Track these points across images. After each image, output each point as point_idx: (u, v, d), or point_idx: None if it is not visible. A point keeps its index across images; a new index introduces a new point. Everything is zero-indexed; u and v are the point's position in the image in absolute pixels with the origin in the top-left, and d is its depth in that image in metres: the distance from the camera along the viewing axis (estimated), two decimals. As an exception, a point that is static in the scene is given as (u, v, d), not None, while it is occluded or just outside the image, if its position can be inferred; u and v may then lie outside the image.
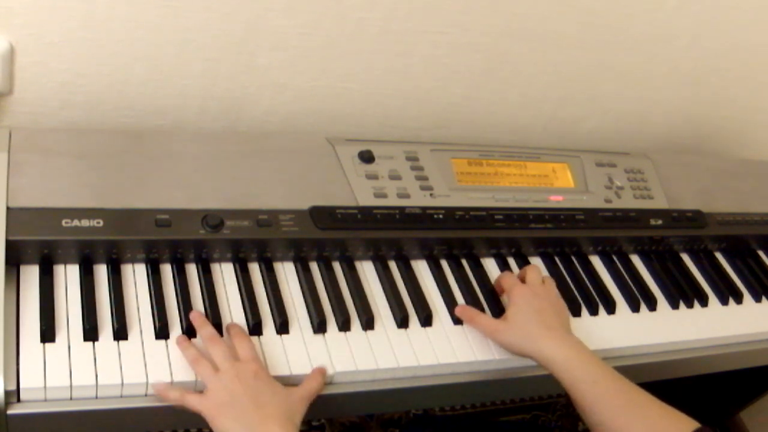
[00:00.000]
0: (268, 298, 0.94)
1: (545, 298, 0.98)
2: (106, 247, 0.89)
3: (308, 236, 0.97)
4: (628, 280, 1.15)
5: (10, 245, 0.83)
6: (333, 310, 0.95)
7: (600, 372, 0.87)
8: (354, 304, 0.97)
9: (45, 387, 0.76)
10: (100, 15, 0.98)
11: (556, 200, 1.15)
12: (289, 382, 0.86)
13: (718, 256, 1.27)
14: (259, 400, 0.79)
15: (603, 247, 1.18)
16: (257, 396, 0.80)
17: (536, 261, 1.14)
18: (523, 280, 1.02)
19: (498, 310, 1.02)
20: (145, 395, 0.81)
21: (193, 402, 0.80)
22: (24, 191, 0.88)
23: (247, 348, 0.86)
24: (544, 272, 1.12)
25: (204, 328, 0.87)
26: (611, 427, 0.83)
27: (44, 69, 1.02)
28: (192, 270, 0.94)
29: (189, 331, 0.87)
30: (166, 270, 0.93)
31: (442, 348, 0.95)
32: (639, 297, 1.12)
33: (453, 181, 1.10)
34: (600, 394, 0.85)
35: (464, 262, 1.09)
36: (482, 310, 1.01)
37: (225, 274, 0.95)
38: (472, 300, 1.03)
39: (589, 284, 1.12)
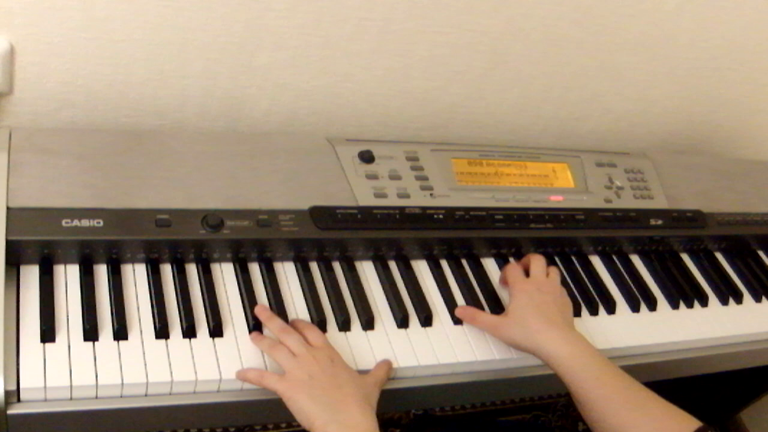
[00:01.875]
0: (268, 299, 0.94)
1: (548, 292, 0.97)
2: (106, 247, 0.89)
3: (308, 236, 0.97)
4: (628, 280, 1.15)
5: (10, 245, 0.83)
6: (333, 310, 0.95)
7: (602, 369, 0.87)
8: (354, 304, 0.97)
9: (45, 387, 0.76)
10: (100, 15, 0.98)
11: (556, 200, 1.15)
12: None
13: (718, 256, 1.27)
14: (337, 381, 0.81)
15: (603, 247, 1.18)
16: (335, 377, 0.81)
17: (536, 261, 1.14)
18: (527, 269, 1.02)
19: (498, 311, 1.02)
20: (145, 395, 0.81)
21: (271, 382, 0.81)
22: (24, 191, 0.87)
23: (319, 336, 0.88)
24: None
25: (273, 321, 0.88)
26: (613, 425, 0.82)
27: (44, 69, 1.02)
28: (192, 270, 0.94)
29: (189, 331, 0.87)
30: (166, 270, 0.93)
31: (442, 348, 0.95)
32: (639, 297, 1.12)
33: (453, 181, 1.10)
34: (602, 391, 0.85)
35: (464, 262, 1.09)
36: (482, 309, 1.01)
37: (225, 274, 0.95)
38: (472, 300, 1.03)
39: (589, 284, 1.12)
